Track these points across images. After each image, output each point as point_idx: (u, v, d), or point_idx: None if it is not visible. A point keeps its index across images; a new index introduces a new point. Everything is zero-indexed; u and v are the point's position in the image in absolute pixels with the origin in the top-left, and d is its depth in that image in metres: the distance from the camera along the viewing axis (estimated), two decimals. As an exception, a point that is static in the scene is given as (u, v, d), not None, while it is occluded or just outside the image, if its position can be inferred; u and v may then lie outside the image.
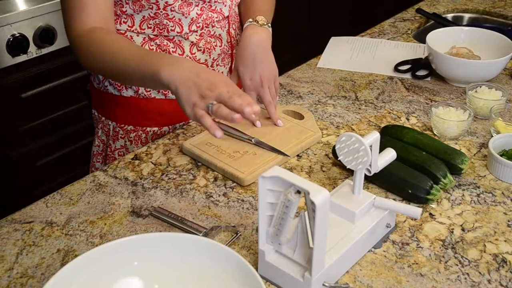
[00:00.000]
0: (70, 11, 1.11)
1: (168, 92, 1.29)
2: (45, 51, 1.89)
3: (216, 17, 1.24)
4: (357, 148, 0.91)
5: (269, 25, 1.26)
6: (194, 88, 0.96)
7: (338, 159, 0.95)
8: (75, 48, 1.12)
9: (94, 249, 0.83)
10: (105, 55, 1.07)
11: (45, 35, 1.86)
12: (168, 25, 1.20)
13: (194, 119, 0.97)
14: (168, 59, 1.00)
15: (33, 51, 1.86)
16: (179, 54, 1.24)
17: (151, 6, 1.17)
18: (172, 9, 1.17)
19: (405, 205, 0.96)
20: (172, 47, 1.23)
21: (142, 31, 1.21)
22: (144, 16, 1.19)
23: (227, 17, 1.29)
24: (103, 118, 1.35)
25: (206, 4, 1.21)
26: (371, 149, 0.91)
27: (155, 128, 1.32)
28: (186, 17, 1.19)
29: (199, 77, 0.96)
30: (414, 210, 0.93)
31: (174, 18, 1.19)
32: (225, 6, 1.25)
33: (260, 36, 1.23)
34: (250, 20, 1.24)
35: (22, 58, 1.84)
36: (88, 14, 1.09)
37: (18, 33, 1.80)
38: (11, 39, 1.78)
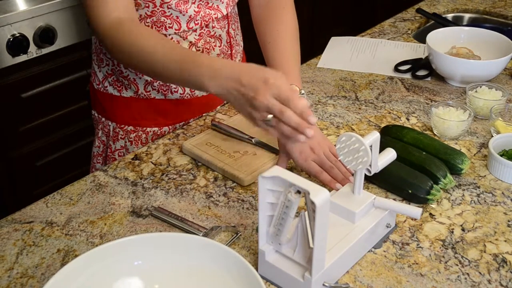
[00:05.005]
0: (91, 1, 1.07)
1: (168, 92, 1.29)
2: (45, 51, 1.89)
3: (214, 14, 1.24)
4: (357, 148, 0.91)
5: (302, 91, 1.12)
6: (241, 99, 0.91)
7: (339, 159, 0.95)
8: (103, 40, 1.09)
9: (94, 249, 0.83)
10: (139, 52, 1.04)
11: (45, 35, 1.86)
12: (166, 22, 1.19)
13: (261, 128, 0.93)
14: (209, 71, 0.95)
15: (33, 51, 1.86)
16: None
17: (147, 5, 1.16)
18: (169, 6, 1.17)
19: (405, 205, 0.96)
20: (171, 47, 1.22)
21: (141, 30, 1.21)
22: (141, 15, 1.18)
23: (227, 16, 1.28)
24: (103, 119, 1.35)
25: (203, 1, 1.21)
26: (371, 149, 0.91)
27: (155, 128, 1.32)
28: (184, 15, 1.19)
29: (241, 85, 0.91)
30: (414, 210, 0.93)
31: (171, 15, 1.18)
32: (222, 3, 1.25)
33: None
34: None
35: (22, 58, 1.84)
36: (111, 3, 1.06)
37: (18, 33, 1.80)
38: (11, 39, 1.78)
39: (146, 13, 1.18)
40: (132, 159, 1.20)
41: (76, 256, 0.93)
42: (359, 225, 0.95)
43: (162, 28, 1.20)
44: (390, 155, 0.99)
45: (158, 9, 1.17)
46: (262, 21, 1.28)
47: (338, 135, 1.27)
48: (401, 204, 0.96)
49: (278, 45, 1.21)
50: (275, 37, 1.23)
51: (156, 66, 1.02)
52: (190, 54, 1.01)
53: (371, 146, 0.92)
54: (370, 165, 0.94)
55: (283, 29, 1.24)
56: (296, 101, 0.88)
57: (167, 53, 1.01)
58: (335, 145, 0.94)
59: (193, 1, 1.19)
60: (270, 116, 0.89)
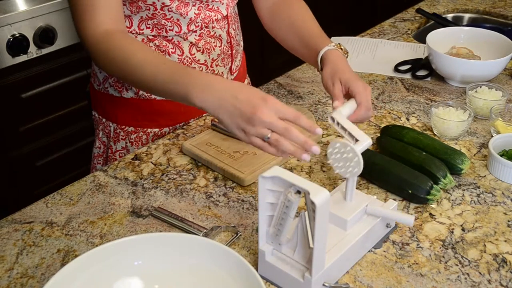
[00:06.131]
0: (80, 11, 1.08)
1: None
2: (45, 51, 1.89)
3: (215, 16, 1.24)
4: (351, 158, 0.90)
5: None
6: (236, 113, 0.92)
7: (328, 162, 0.93)
8: (92, 52, 1.09)
9: (94, 249, 0.83)
10: (128, 64, 1.04)
11: (45, 35, 1.86)
12: (166, 25, 1.19)
13: (252, 144, 0.94)
14: (200, 81, 0.96)
15: (33, 51, 1.86)
16: (178, 55, 1.24)
17: (148, 8, 1.16)
18: (170, 9, 1.17)
19: (397, 212, 0.94)
20: (171, 48, 1.23)
21: (141, 31, 1.20)
22: (142, 17, 1.19)
23: (227, 17, 1.28)
24: (104, 120, 1.35)
25: (203, 4, 1.21)
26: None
27: (156, 129, 1.32)
28: (184, 17, 1.19)
29: (238, 99, 0.92)
30: (407, 217, 0.92)
31: (172, 18, 1.18)
32: (222, 4, 1.25)
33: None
34: (333, 45, 1.16)
35: (22, 58, 1.84)
36: (100, 14, 1.07)
37: (18, 33, 1.80)
38: (11, 39, 1.79)
39: (147, 15, 1.18)
40: (132, 159, 1.20)
41: (76, 256, 0.93)
42: (359, 225, 0.94)
43: (162, 31, 1.20)
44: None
45: (158, 12, 1.17)
46: (277, 11, 1.31)
47: (338, 135, 1.27)
48: (393, 212, 0.95)
49: (306, 22, 1.25)
50: (300, 17, 1.27)
51: (143, 77, 1.03)
52: (180, 66, 1.02)
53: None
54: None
55: (303, 12, 1.29)
56: (301, 118, 0.91)
57: (156, 65, 1.02)
58: (327, 150, 0.93)
59: (193, 4, 1.19)
60: (270, 133, 0.91)
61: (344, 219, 0.93)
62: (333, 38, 1.77)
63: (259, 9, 1.35)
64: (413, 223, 0.93)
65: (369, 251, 0.96)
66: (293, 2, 1.31)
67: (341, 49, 1.17)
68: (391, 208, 0.97)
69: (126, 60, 1.04)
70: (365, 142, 0.92)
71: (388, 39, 1.76)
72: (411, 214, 1.04)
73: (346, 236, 0.93)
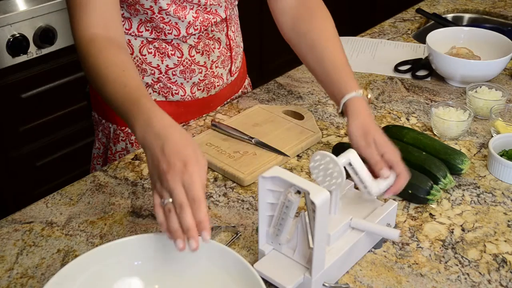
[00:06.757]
0: (73, 11, 1.06)
1: (169, 94, 1.29)
2: (45, 51, 1.89)
3: (213, 19, 1.24)
4: (332, 168, 0.88)
5: (369, 95, 1.11)
6: (154, 164, 0.83)
7: (312, 177, 0.92)
8: (78, 54, 1.06)
9: (94, 249, 0.83)
10: (95, 77, 1.00)
11: (45, 35, 1.86)
12: (165, 28, 1.19)
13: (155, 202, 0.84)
14: (142, 117, 0.87)
15: (33, 51, 1.86)
16: (178, 56, 1.23)
17: (145, 11, 1.16)
18: (167, 13, 1.16)
19: (382, 226, 0.93)
20: (170, 50, 1.23)
21: (140, 33, 1.20)
22: (141, 19, 1.18)
23: (225, 19, 1.28)
24: (104, 121, 1.35)
25: (201, 7, 1.20)
26: (345, 169, 0.89)
27: (156, 129, 1.32)
28: (182, 21, 1.19)
29: (162, 152, 0.82)
30: (392, 231, 0.91)
31: (170, 22, 1.18)
32: (221, 7, 1.24)
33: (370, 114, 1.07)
34: (360, 92, 1.08)
35: (22, 58, 1.84)
36: (90, 16, 1.04)
37: (18, 33, 1.80)
38: (11, 39, 1.79)
39: (145, 18, 1.18)
40: (132, 159, 1.20)
41: (76, 256, 0.93)
42: (342, 240, 0.92)
43: (161, 34, 1.20)
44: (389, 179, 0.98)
45: (156, 15, 1.16)
46: (298, 25, 1.23)
47: (338, 135, 1.27)
48: (378, 226, 0.93)
49: (329, 45, 1.17)
50: (322, 37, 1.18)
51: (106, 94, 0.98)
52: (134, 94, 0.93)
53: (350, 163, 0.92)
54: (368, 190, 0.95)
55: (326, 32, 1.20)
56: (201, 207, 0.78)
57: (115, 87, 0.96)
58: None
59: (191, 7, 1.19)
60: (169, 200, 0.80)
61: (327, 233, 0.90)
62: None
63: (280, 23, 1.26)
64: (398, 237, 0.91)
65: (369, 251, 0.96)
66: (316, 15, 1.22)
67: (367, 96, 1.09)
68: (391, 208, 0.98)
69: (96, 70, 0.99)
70: (349, 153, 0.92)
71: (388, 39, 1.76)
72: (411, 214, 1.04)
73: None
